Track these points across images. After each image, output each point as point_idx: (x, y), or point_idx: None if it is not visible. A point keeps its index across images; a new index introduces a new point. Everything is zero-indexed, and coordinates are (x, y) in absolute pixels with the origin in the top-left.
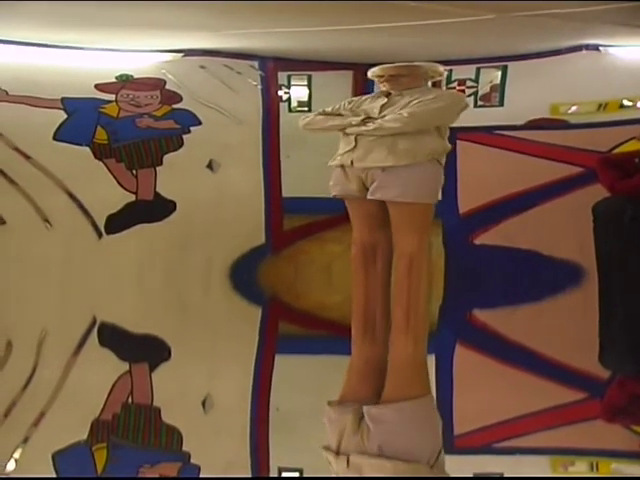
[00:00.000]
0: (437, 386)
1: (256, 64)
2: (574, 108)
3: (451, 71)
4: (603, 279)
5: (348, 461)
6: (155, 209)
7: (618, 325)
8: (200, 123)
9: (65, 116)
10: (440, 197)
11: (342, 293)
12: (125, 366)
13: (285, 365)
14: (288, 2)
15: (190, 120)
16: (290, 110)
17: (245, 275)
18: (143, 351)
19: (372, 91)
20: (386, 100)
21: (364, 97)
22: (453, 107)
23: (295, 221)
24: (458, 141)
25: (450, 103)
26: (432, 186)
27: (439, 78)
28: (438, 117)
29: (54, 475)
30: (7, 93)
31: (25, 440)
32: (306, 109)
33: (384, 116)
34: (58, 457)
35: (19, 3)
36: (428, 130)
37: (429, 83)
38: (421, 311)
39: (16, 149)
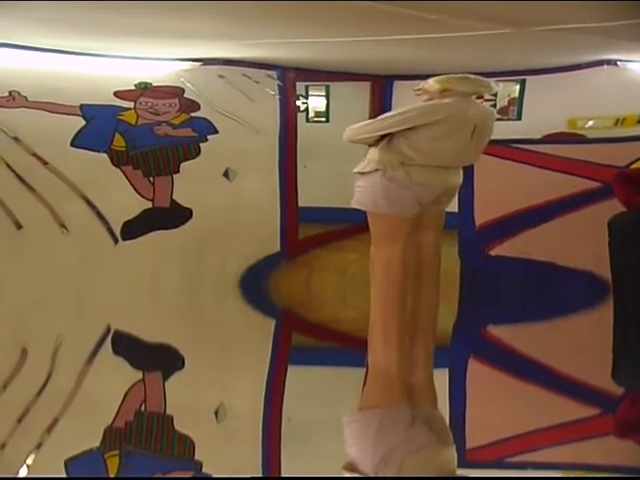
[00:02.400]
0: (450, 400)
1: (274, 74)
2: (591, 122)
3: None
4: (618, 294)
5: None
6: (171, 216)
7: (632, 341)
8: (217, 132)
9: (83, 122)
10: (385, 209)
11: (357, 304)
12: (138, 375)
13: (298, 376)
14: (307, 13)
15: (207, 128)
16: (307, 120)
17: (259, 284)
18: (156, 360)
19: (390, 103)
20: None
21: None
22: (400, 116)
23: (310, 230)
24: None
25: (401, 112)
26: (373, 196)
27: (480, 91)
28: (379, 127)
29: None
30: (27, 99)
31: (38, 446)
32: (323, 119)
33: None
34: (70, 464)
35: (40, 10)
36: (381, 141)
37: (473, 97)
38: (380, 322)
39: (34, 155)
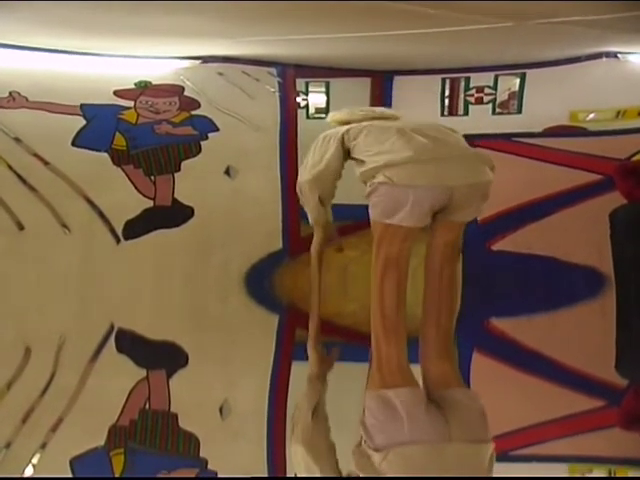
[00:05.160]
0: None
1: (274, 71)
2: (592, 115)
3: (469, 78)
4: (621, 287)
5: None
6: (173, 215)
7: (635, 334)
8: (218, 129)
9: (84, 122)
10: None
11: (359, 297)
12: (142, 372)
13: (302, 372)
14: (306, 9)
15: (208, 126)
16: (308, 117)
17: (262, 281)
18: (160, 357)
19: (390, 99)
20: None
21: None
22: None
23: (312, 227)
24: (476, 148)
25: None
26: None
27: None
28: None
29: None
30: (27, 99)
31: (43, 446)
32: (324, 116)
33: None
34: (76, 463)
35: (38, 10)
36: None
37: None
38: (374, 317)
39: (35, 155)
